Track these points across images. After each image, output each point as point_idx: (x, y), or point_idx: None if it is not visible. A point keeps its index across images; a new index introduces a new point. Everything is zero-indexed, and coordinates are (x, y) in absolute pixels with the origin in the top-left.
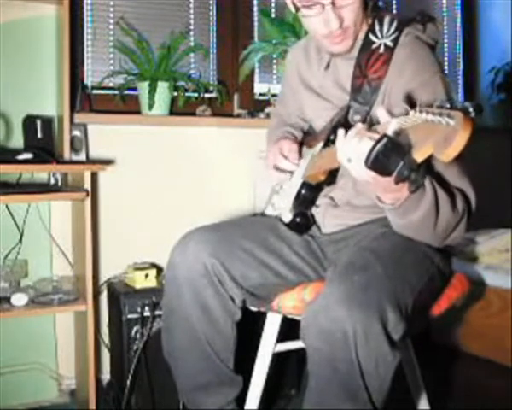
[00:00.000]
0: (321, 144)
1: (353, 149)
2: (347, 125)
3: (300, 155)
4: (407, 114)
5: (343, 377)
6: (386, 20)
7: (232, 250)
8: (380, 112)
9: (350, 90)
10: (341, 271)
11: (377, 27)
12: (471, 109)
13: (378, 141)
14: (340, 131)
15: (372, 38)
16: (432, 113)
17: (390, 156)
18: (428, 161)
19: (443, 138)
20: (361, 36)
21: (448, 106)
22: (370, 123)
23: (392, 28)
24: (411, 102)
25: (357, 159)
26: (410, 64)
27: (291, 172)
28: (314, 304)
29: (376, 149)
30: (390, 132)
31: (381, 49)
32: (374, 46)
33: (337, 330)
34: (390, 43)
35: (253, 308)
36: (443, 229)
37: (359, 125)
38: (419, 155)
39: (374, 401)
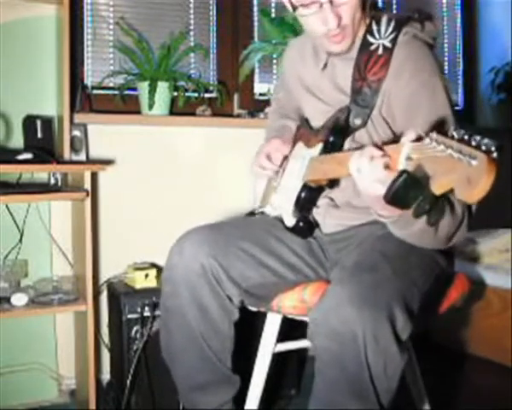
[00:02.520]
0: (320, 146)
1: (368, 174)
2: (348, 129)
3: (290, 153)
4: (421, 138)
5: (351, 376)
6: (384, 20)
7: (230, 250)
8: (409, 132)
9: (350, 93)
10: (350, 271)
11: (375, 28)
12: (493, 148)
13: (398, 177)
14: (355, 155)
15: (370, 39)
16: (451, 147)
17: (409, 192)
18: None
19: (466, 179)
20: (359, 36)
21: (466, 138)
22: (382, 143)
23: (390, 28)
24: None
25: (370, 179)
26: (409, 65)
27: (276, 172)
28: (323, 303)
29: (396, 185)
30: (403, 160)
31: (380, 51)
32: (372, 47)
33: (347, 331)
34: (388, 44)
35: (253, 308)
36: (444, 235)
37: (374, 152)
38: (437, 189)
39: (382, 400)
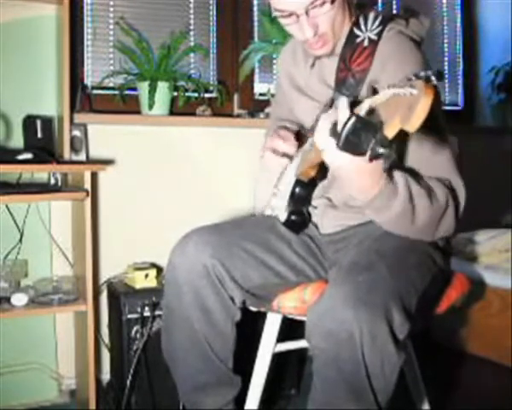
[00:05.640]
0: (310, 141)
1: (322, 133)
2: None
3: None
4: (377, 92)
5: (349, 377)
6: (371, 15)
7: (232, 251)
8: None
9: (334, 84)
10: (346, 271)
11: (362, 22)
12: (433, 77)
13: (347, 121)
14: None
15: (356, 32)
16: (398, 86)
17: (360, 135)
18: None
19: (407, 109)
20: (345, 31)
21: (413, 78)
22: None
23: (377, 23)
24: None
25: (327, 144)
26: (393, 59)
27: (288, 157)
28: (319, 305)
29: (346, 129)
30: (363, 112)
31: (365, 43)
32: (358, 40)
33: (343, 331)
34: (374, 37)
35: (253, 308)
36: (424, 223)
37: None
38: (389, 131)
39: (379, 401)
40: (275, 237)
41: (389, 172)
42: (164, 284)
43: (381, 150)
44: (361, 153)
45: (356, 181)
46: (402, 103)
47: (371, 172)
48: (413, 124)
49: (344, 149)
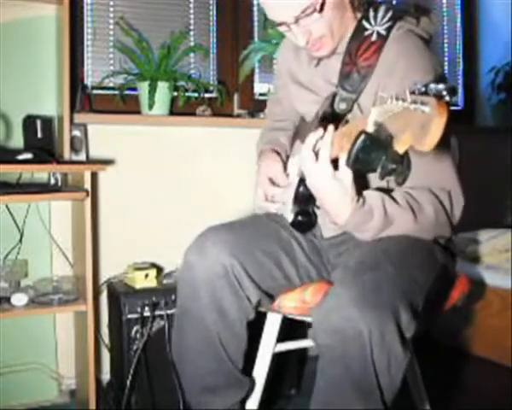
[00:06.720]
0: None
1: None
2: (333, 114)
3: (285, 168)
4: (385, 102)
5: (356, 375)
6: (382, 8)
7: (250, 250)
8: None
9: (338, 77)
10: (352, 271)
11: (371, 15)
12: (445, 93)
13: (356, 138)
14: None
15: (365, 24)
16: (408, 101)
17: (371, 153)
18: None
19: (420, 127)
20: (352, 27)
21: (423, 90)
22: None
23: (387, 18)
24: None
25: (306, 160)
26: (402, 62)
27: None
28: (325, 304)
29: (356, 148)
30: (371, 125)
31: (374, 37)
32: (366, 33)
33: (350, 329)
34: (383, 32)
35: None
36: (407, 231)
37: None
38: (400, 147)
39: (385, 399)
40: (287, 235)
41: (363, 194)
42: (178, 283)
43: (393, 166)
44: (372, 170)
45: (327, 200)
46: (413, 119)
47: (339, 194)
48: (428, 144)
49: (354, 167)
